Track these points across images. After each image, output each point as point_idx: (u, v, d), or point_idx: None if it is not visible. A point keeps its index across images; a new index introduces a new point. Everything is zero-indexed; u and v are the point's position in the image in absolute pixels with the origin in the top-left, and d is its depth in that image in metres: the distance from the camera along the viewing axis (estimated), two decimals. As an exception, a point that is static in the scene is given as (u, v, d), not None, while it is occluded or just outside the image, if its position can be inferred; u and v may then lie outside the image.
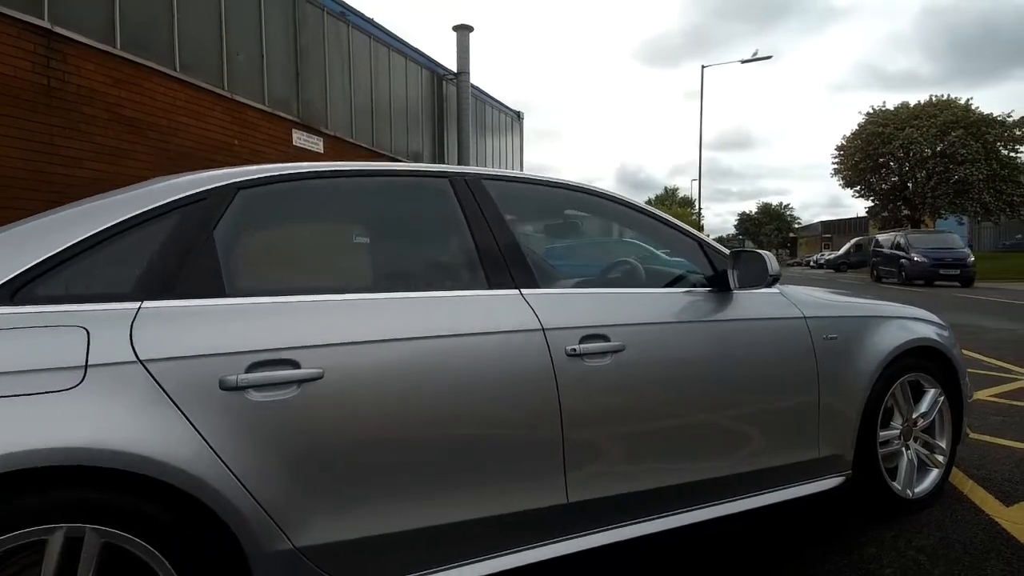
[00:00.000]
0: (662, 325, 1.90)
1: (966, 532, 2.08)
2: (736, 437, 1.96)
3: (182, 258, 1.46)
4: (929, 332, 2.37)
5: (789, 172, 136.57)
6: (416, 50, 11.13)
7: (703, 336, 1.96)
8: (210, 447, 1.29)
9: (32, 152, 4.71)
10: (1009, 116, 25.10)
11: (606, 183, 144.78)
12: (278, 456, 1.36)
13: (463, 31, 12.68)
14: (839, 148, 29.68)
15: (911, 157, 26.84)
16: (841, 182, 30.05)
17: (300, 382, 1.40)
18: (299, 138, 7.90)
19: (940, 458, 2.34)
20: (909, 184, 26.86)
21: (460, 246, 1.80)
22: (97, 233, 1.42)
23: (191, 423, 1.29)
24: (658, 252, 2.89)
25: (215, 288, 1.50)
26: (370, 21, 9.67)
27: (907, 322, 2.36)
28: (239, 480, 1.32)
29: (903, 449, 2.27)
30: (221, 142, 6.60)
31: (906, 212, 28.08)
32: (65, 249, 1.39)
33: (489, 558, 1.61)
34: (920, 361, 2.33)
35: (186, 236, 1.49)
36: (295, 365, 1.40)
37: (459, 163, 12.61)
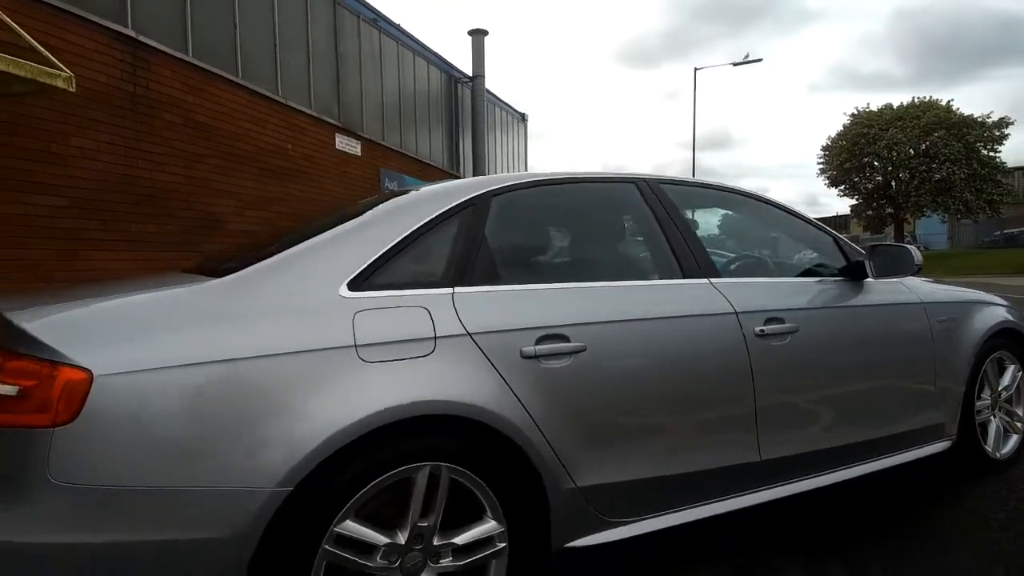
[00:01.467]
0: (822, 310, 2.22)
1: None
2: (878, 405, 2.28)
3: (468, 253, 1.75)
4: (1009, 315, 2.76)
5: (766, 171, 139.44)
6: (434, 53, 11.36)
7: (852, 318, 2.29)
8: (520, 403, 1.57)
9: (121, 156, 4.87)
10: (988, 117, 26.19)
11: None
12: (562, 412, 1.65)
13: (478, 35, 12.94)
14: (824, 148, 30.59)
15: (895, 157, 27.71)
16: (826, 181, 30.90)
17: (571, 353, 1.69)
18: (340, 142, 8.09)
19: (1019, 425, 2.72)
20: (892, 183, 27.74)
21: (657, 241, 2.09)
22: (409, 234, 1.70)
23: (507, 383, 1.58)
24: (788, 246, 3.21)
25: (494, 277, 1.80)
26: (396, 26, 9.88)
27: (993, 307, 2.74)
28: (540, 430, 1.61)
29: (991, 417, 2.63)
30: (277, 146, 6.78)
31: (889, 210, 29.01)
32: (392, 246, 1.66)
33: (707, 503, 1.92)
34: (1003, 340, 2.70)
35: (467, 235, 1.77)
36: (566, 339, 1.70)
37: (474, 166, 12.87)
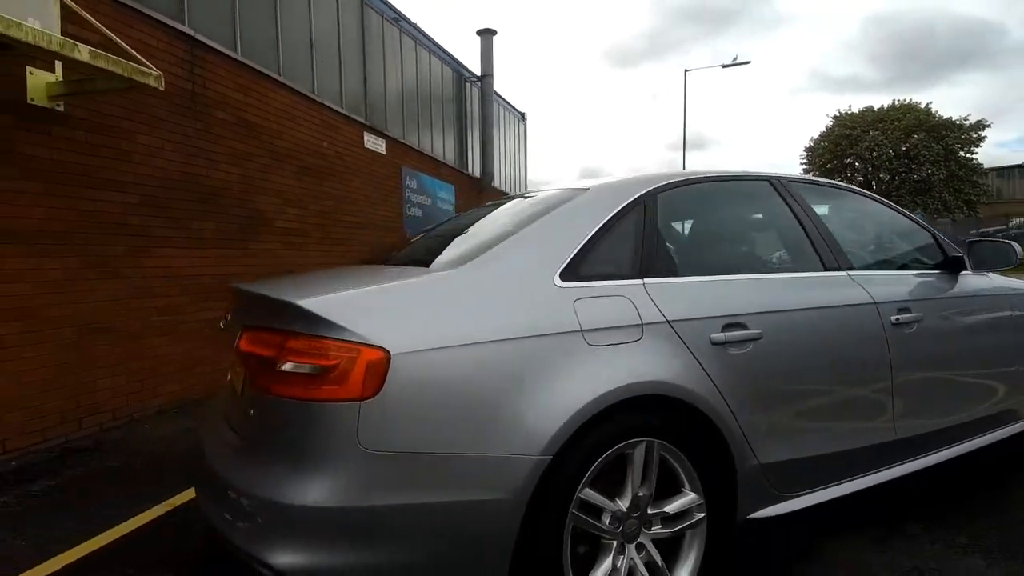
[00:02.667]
0: (939, 300, 2.45)
1: None
2: (985, 386, 2.53)
3: (647, 245, 1.92)
4: None
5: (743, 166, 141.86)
6: (446, 52, 11.44)
7: (962, 307, 2.54)
8: (715, 385, 1.77)
9: (183, 154, 4.91)
10: (966, 120, 27.28)
11: (570, 183, 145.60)
12: (745, 395, 1.84)
13: (487, 35, 13.05)
14: (808, 149, 31.67)
15: (876, 158, 28.62)
16: (810, 182, 31.84)
17: (751, 340, 1.89)
18: (368, 140, 8.16)
19: None
20: (873, 183, 28.57)
21: (798, 235, 2.29)
22: (599, 229, 1.87)
23: (702, 367, 1.77)
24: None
25: (672, 269, 1.98)
26: (414, 26, 9.95)
27: None
28: (730, 410, 1.80)
29: None
30: (313, 144, 6.83)
31: (871, 210, 29.95)
32: (588, 241, 1.84)
33: (855, 479, 2.13)
34: None
35: (644, 229, 1.95)
36: (745, 327, 1.89)
37: (482, 165, 12.97)
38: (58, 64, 3.82)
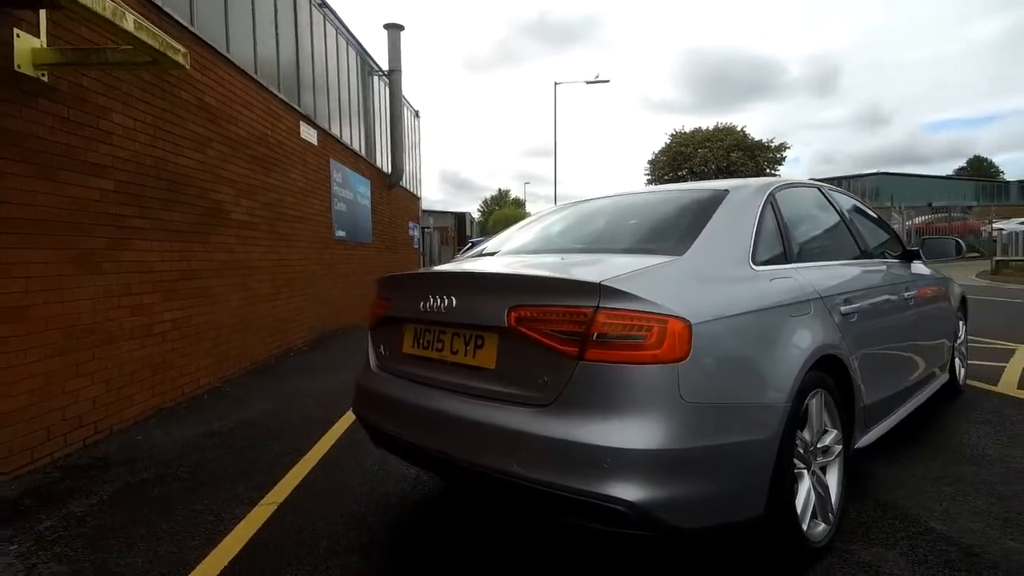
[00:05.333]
0: (915, 282, 3.27)
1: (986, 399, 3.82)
2: (933, 346, 3.42)
3: (784, 236, 2.41)
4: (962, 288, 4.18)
5: (589, 180, 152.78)
6: (358, 42, 11.12)
7: (927, 286, 3.42)
8: (848, 346, 2.32)
9: (152, 136, 4.42)
10: (771, 141, 34.32)
11: (432, 184, 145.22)
12: (859, 353, 2.42)
13: (394, 30, 12.85)
14: (651, 162, 37.72)
15: (705, 172, 34.40)
16: (653, 190, 37.62)
17: (859, 311, 2.47)
18: (304, 130, 7.77)
19: (965, 361, 4.19)
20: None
21: (845, 230, 2.96)
22: (758, 224, 2.30)
23: (841, 332, 2.30)
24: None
25: (800, 255, 2.47)
26: (334, 12, 9.57)
27: (955, 283, 4.04)
28: (857, 366, 2.37)
29: (957, 357, 3.97)
30: (260, 132, 6.41)
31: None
32: (754, 233, 2.26)
33: (893, 415, 2.89)
34: (962, 306, 4.10)
35: (777, 223, 2.43)
36: (851, 302, 2.47)
37: (393, 162, 12.79)
38: (43, 29, 3.34)
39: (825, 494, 2.12)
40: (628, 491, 1.55)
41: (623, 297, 1.67)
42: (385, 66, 12.65)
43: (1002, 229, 26.39)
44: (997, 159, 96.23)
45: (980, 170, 57.66)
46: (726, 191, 2.39)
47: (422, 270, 2.45)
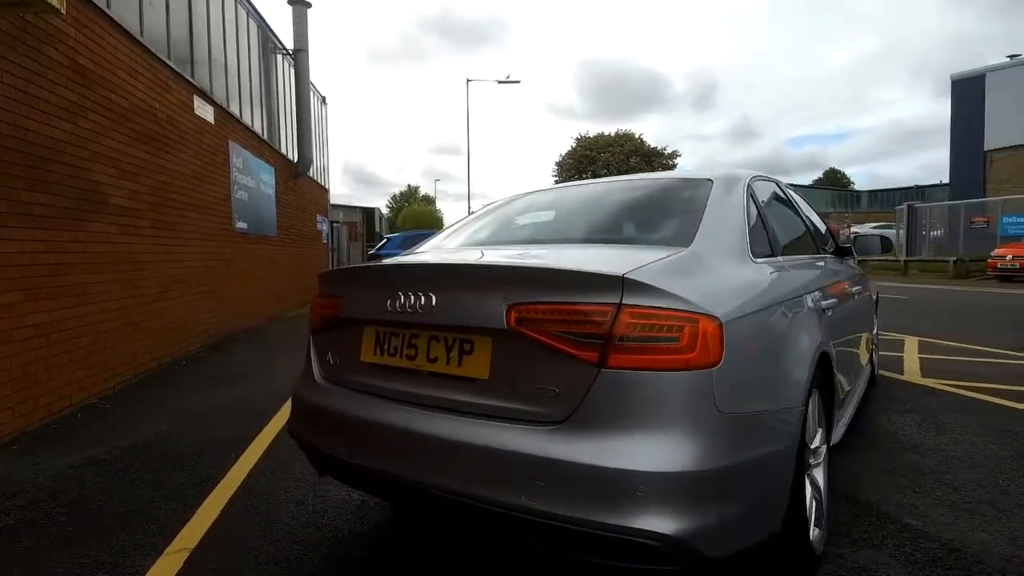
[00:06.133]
0: (852, 276, 3.37)
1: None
2: (867, 341, 3.58)
3: (767, 229, 2.31)
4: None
5: (498, 179, 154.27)
6: (260, 15, 10.16)
7: (859, 282, 3.56)
8: (829, 341, 2.25)
9: (13, 100, 3.61)
10: (665, 149, 37.62)
11: (336, 177, 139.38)
12: (833, 347, 2.36)
13: (300, 6, 11.96)
14: (558, 164, 40.01)
15: (607, 175, 37.00)
16: (559, 191, 39.96)
17: (832, 307, 2.44)
18: (198, 105, 6.89)
19: (875, 354, 4.46)
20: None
21: (803, 226, 2.96)
22: (745, 217, 2.17)
23: (822, 328, 2.22)
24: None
25: (780, 249, 2.37)
26: (233, -20, 8.63)
27: (872, 280, 4.35)
28: (836, 360, 2.32)
29: (874, 348, 4.26)
30: (146, 104, 5.55)
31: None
32: (746, 227, 2.14)
33: (846, 413, 2.93)
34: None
35: (758, 215, 2.32)
36: (826, 298, 2.43)
37: (300, 150, 11.89)
38: None
39: (819, 498, 2.03)
40: (663, 522, 1.32)
41: (651, 293, 1.44)
42: (290, 45, 11.71)
43: (858, 233, 29.84)
44: (848, 171, 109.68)
45: (835, 181, 64.31)
46: (710, 179, 2.23)
47: (388, 261, 2.06)
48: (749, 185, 2.31)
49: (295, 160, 11.83)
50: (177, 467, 3.12)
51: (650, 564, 1.38)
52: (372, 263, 2.00)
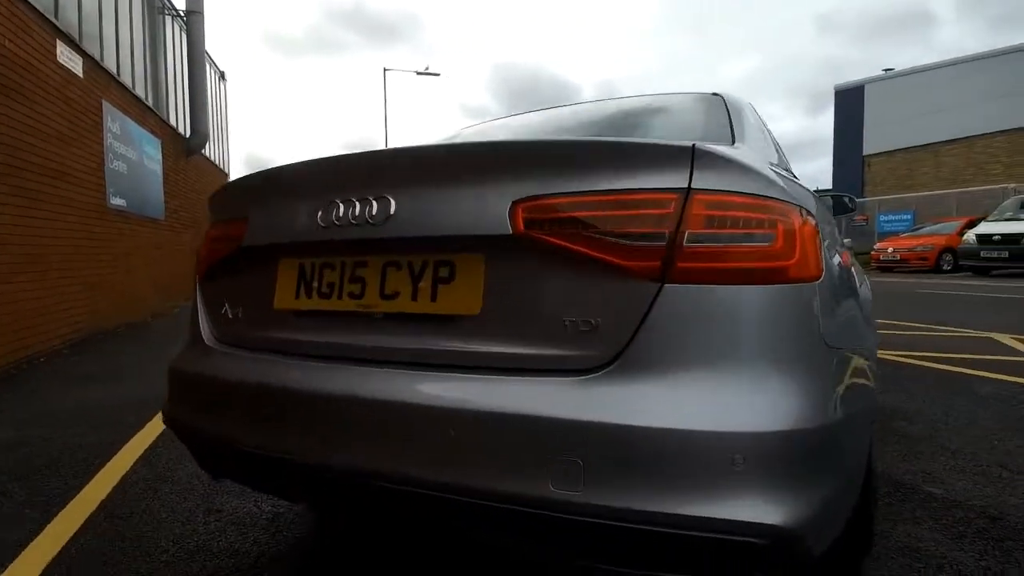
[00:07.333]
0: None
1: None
2: None
3: (774, 147, 2.02)
4: None
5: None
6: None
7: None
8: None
9: None
10: None
11: (240, 168, 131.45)
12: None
13: (192, -37, 10.65)
14: None
15: None
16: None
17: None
18: (62, 54, 5.75)
19: None
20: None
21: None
22: (771, 137, 1.89)
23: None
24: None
25: (790, 171, 2.09)
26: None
27: None
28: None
29: None
30: (-10, 39, 4.47)
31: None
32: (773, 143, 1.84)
33: None
34: None
35: (770, 134, 2.03)
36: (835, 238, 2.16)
37: (193, 124, 10.60)
38: None
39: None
40: (770, 509, 0.88)
41: (733, 170, 1.01)
42: (181, 5, 10.40)
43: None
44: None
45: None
46: (717, 93, 1.92)
47: (316, 157, 1.43)
48: (750, 104, 2.01)
49: (187, 135, 10.52)
50: (18, 481, 2.33)
51: (747, 570, 0.94)
52: (296, 161, 1.40)
